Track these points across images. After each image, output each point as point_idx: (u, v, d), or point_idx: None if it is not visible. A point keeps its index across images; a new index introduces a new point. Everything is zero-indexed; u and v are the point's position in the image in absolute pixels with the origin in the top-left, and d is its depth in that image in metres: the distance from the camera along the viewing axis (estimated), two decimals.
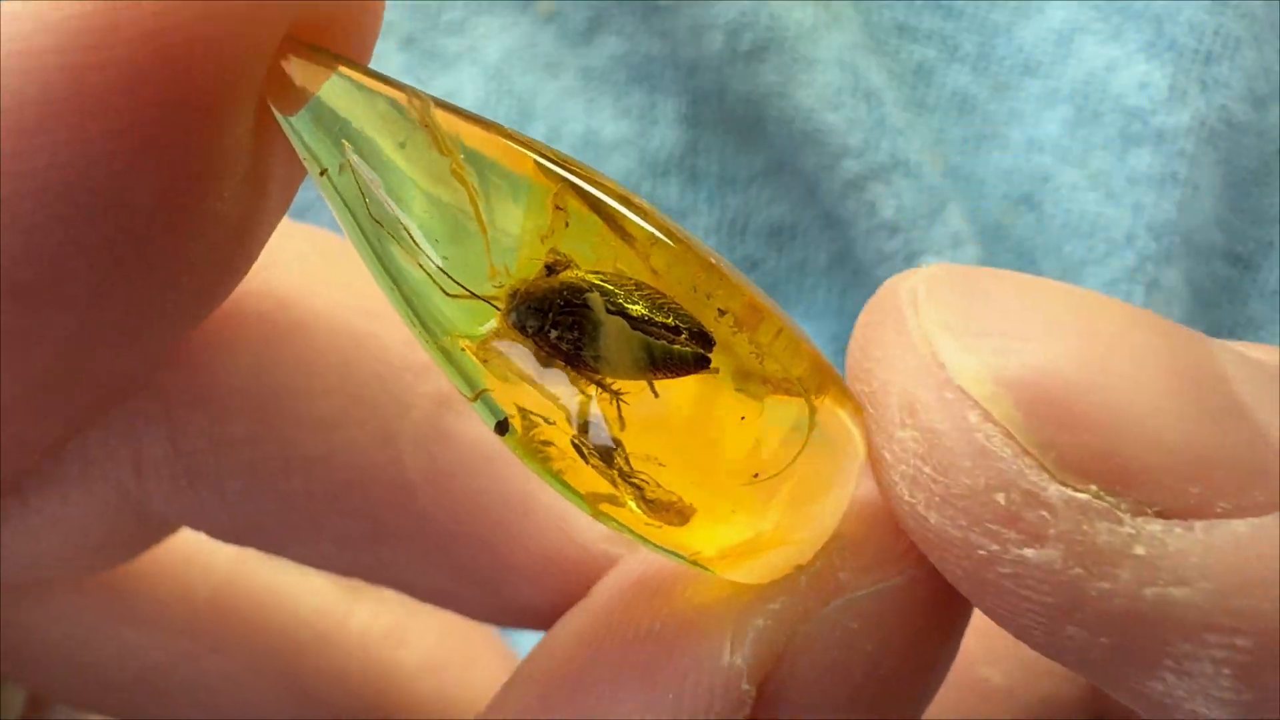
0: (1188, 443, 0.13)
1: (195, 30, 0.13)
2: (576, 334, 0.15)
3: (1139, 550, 0.13)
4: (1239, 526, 0.13)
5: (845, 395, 0.16)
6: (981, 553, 0.14)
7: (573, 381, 0.15)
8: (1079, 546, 0.13)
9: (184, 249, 0.15)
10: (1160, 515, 0.13)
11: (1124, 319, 0.14)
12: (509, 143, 0.15)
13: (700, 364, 0.15)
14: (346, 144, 0.15)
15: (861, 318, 0.16)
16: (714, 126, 0.41)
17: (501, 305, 0.15)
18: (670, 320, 0.15)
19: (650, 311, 0.15)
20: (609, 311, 0.15)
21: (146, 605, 0.23)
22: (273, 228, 0.17)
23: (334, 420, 0.19)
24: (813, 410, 0.16)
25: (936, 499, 0.14)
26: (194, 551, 0.23)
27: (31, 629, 0.22)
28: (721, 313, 0.15)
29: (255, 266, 0.18)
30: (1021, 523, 0.13)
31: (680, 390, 0.15)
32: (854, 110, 0.39)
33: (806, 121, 0.39)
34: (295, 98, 0.15)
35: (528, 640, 0.29)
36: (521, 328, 0.15)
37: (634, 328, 0.15)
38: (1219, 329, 0.41)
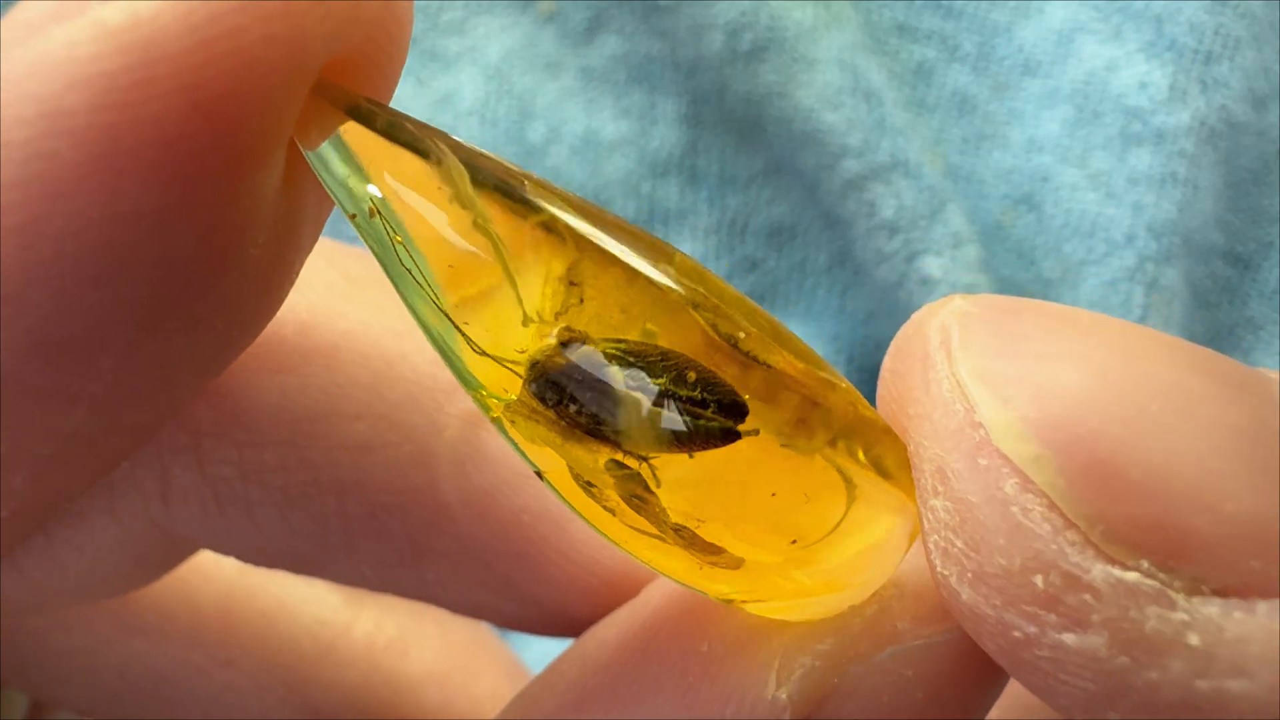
0: (1251, 511, 0.12)
1: (229, 83, 0.13)
2: (595, 410, 0.14)
3: (1193, 640, 0.12)
4: None
5: (887, 445, 0.15)
6: (1017, 635, 0.12)
7: (594, 449, 0.15)
8: (1125, 635, 0.12)
9: (219, 297, 0.15)
10: (1218, 594, 0.12)
11: (1181, 362, 0.13)
12: (525, 207, 0.14)
13: (729, 438, 0.14)
14: (370, 192, 0.15)
15: (889, 362, 0.14)
16: (714, 126, 0.41)
17: (522, 373, 0.15)
18: (697, 394, 0.14)
19: (674, 385, 0.14)
20: (630, 387, 0.14)
21: (152, 615, 0.23)
22: (301, 265, 0.17)
23: (366, 443, 0.19)
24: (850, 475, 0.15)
25: (969, 575, 0.13)
26: (198, 560, 0.23)
27: (35, 636, 0.22)
28: (767, 366, 0.14)
29: None
30: (1062, 606, 0.12)
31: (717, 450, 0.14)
32: (854, 110, 0.39)
33: (806, 121, 0.39)
34: (321, 140, 0.15)
35: (533, 650, 0.29)
36: (542, 399, 0.15)
37: (656, 403, 0.14)
38: (1219, 329, 0.41)
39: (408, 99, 0.41)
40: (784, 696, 0.16)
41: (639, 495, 0.15)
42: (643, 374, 0.14)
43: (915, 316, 0.14)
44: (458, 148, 0.15)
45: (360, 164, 0.15)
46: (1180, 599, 0.12)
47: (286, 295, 0.17)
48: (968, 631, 0.14)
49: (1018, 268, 0.40)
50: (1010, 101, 0.41)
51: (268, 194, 0.15)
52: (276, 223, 0.15)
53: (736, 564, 0.15)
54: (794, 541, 0.15)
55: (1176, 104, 0.40)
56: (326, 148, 0.15)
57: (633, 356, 0.14)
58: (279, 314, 0.18)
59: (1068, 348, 0.13)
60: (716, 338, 0.14)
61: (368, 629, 0.25)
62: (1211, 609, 0.12)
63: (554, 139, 0.41)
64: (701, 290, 0.14)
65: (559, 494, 0.15)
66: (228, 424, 0.19)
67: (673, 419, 0.14)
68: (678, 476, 0.14)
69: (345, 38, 0.14)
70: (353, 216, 0.15)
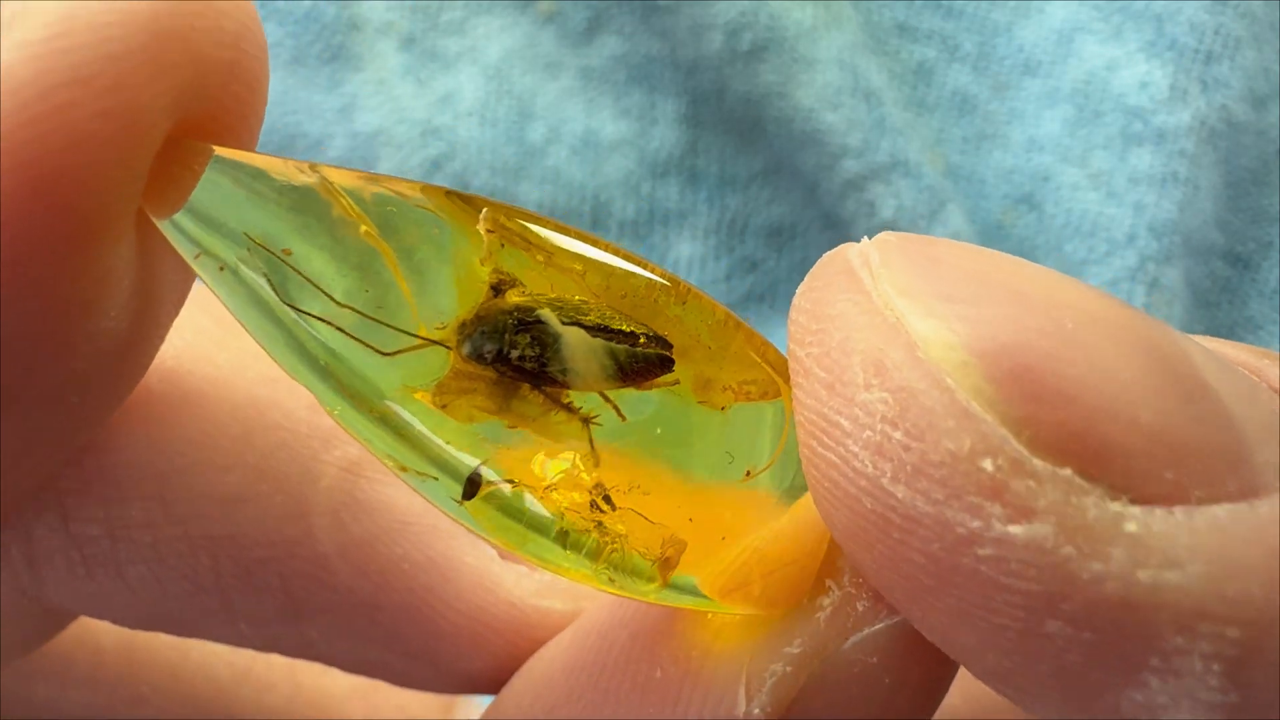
0: (1163, 425, 0.12)
1: (63, 159, 0.13)
2: (539, 350, 0.14)
3: (1130, 527, 0.12)
4: (1219, 512, 0.12)
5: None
6: (960, 531, 0.12)
7: (538, 413, 0.15)
8: (1070, 522, 0.12)
9: (73, 372, 0.15)
10: (1136, 502, 0.12)
11: (1090, 294, 0.13)
12: (412, 186, 0.15)
13: (665, 365, 0.15)
14: (246, 233, 0.14)
15: (804, 285, 0.14)
16: (714, 127, 0.41)
17: (450, 343, 0.14)
18: (626, 327, 0.15)
19: (604, 320, 0.15)
20: (565, 324, 0.14)
21: (52, 659, 0.22)
22: (166, 330, 0.16)
23: (238, 495, 0.18)
24: (788, 404, 0.15)
25: (908, 469, 0.12)
26: None
27: None
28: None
29: None
30: (1008, 494, 0.12)
31: (646, 411, 0.15)
32: (854, 110, 0.39)
33: (806, 121, 0.39)
34: (178, 200, 0.14)
35: None
36: (479, 356, 0.14)
37: (593, 336, 0.14)
38: (1219, 329, 0.41)
39: (408, 99, 0.41)
40: (758, 711, 0.16)
41: (588, 487, 0.15)
42: (573, 314, 0.14)
43: (831, 251, 0.14)
44: (333, 171, 0.15)
45: (229, 209, 0.14)
46: (1108, 500, 0.12)
47: (149, 363, 0.16)
48: (881, 553, 0.13)
49: None
50: (1010, 101, 0.41)
51: (117, 265, 0.14)
52: (132, 294, 0.15)
53: (677, 557, 0.15)
54: (747, 474, 0.15)
55: (1177, 104, 0.40)
56: (186, 206, 0.14)
57: (560, 303, 0.15)
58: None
59: (985, 272, 0.13)
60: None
61: None
62: (1135, 510, 0.12)
63: (554, 139, 0.41)
64: (611, 248, 0.15)
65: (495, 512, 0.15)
66: (92, 480, 0.18)
67: (613, 349, 0.14)
68: (615, 444, 0.15)
69: (193, 100, 0.14)
70: (220, 269, 0.14)
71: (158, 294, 0.16)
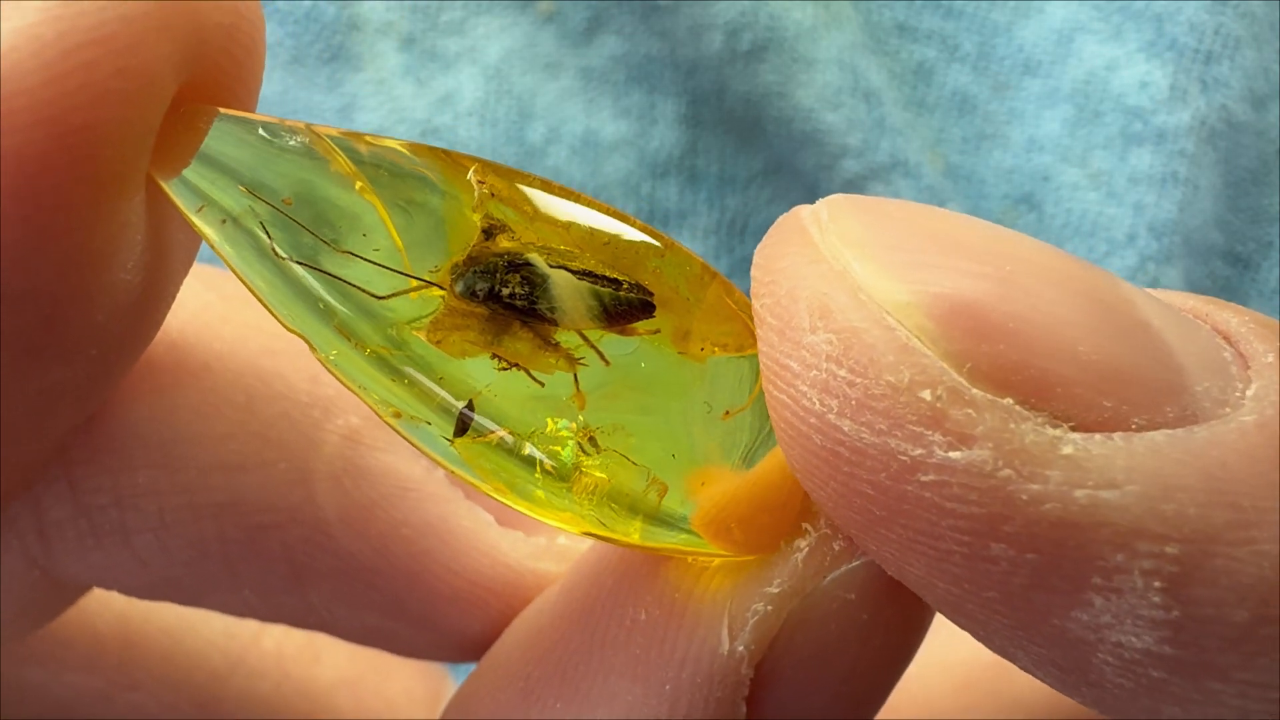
0: (1100, 356, 0.13)
1: (84, 115, 0.13)
2: (528, 289, 0.15)
3: (1067, 450, 0.12)
4: (1157, 436, 0.12)
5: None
6: (903, 459, 0.13)
7: (529, 349, 0.15)
8: (1008, 446, 0.12)
9: (92, 324, 0.15)
10: (1076, 430, 0.13)
11: (1031, 244, 0.14)
12: (410, 148, 0.15)
13: (648, 309, 0.15)
14: (243, 188, 0.15)
15: (761, 244, 0.15)
16: (713, 127, 0.41)
17: (443, 284, 0.15)
18: (611, 274, 0.16)
19: (589, 268, 0.16)
20: (552, 267, 0.15)
21: (48, 643, 0.22)
22: (176, 288, 0.17)
23: (242, 463, 0.19)
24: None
25: (852, 403, 0.13)
26: None
27: None
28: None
29: None
30: (948, 421, 0.13)
31: (628, 360, 0.16)
32: (854, 110, 0.39)
33: (806, 121, 0.39)
34: (183, 159, 0.15)
35: None
36: (471, 293, 0.15)
37: (579, 279, 0.15)
38: None
39: (408, 99, 0.41)
40: (741, 649, 0.16)
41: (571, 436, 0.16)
42: (561, 260, 0.16)
43: (786, 213, 0.15)
44: (327, 131, 0.16)
45: (229, 163, 0.15)
46: (1047, 427, 0.13)
47: (162, 320, 0.17)
48: (833, 485, 0.14)
49: None
50: (1010, 101, 0.41)
51: (132, 219, 0.15)
52: (145, 248, 0.15)
53: (662, 489, 0.16)
54: (726, 413, 0.16)
55: (1177, 104, 0.40)
56: (191, 163, 0.15)
57: (547, 249, 0.16)
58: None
59: (931, 226, 0.14)
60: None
61: (277, 637, 0.24)
62: (1075, 436, 0.13)
63: (554, 139, 0.41)
64: (596, 205, 0.16)
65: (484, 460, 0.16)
66: (100, 450, 0.18)
67: (598, 291, 0.15)
68: (600, 388, 0.15)
69: (198, 60, 0.15)
70: (223, 221, 0.15)
71: (167, 252, 0.16)
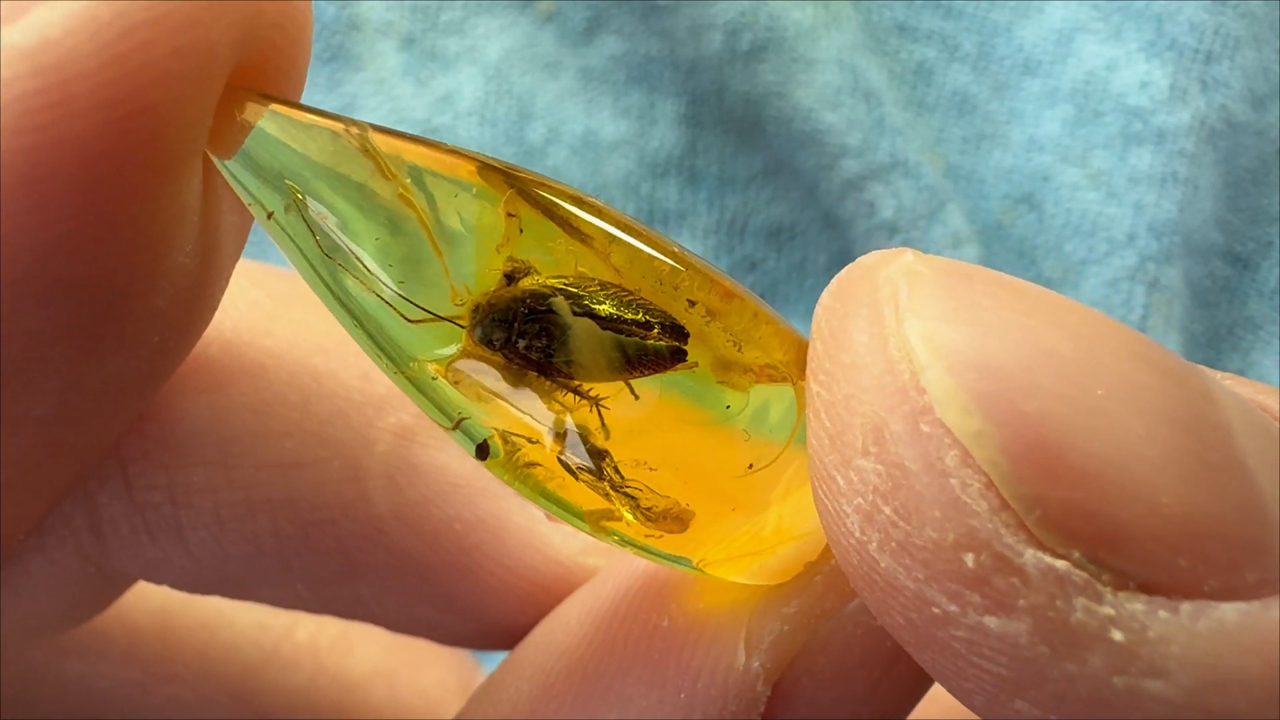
0: (1184, 508, 0.12)
1: (143, 96, 0.13)
2: (545, 341, 0.15)
3: (1116, 636, 0.11)
4: (1228, 613, 0.11)
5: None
6: (935, 611, 0.12)
7: (545, 395, 0.15)
8: (1049, 624, 0.12)
9: (152, 309, 0.15)
10: (1143, 590, 0.12)
11: (1126, 348, 0.12)
12: (453, 156, 0.15)
13: (677, 357, 0.15)
14: (290, 183, 0.15)
15: (828, 299, 0.14)
16: (713, 127, 0.41)
17: (465, 323, 0.15)
18: (640, 316, 0.15)
19: (618, 309, 0.15)
20: (576, 314, 0.15)
21: (87, 635, 0.22)
22: (229, 273, 0.17)
23: (297, 461, 0.19)
24: (800, 394, 0.15)
25: (893, 544, 0.12)
26: None
27: None
28: (691, 303, 0.15)
29: None
30: (988, 588, 0.12)
31: (665, 388, 0.15)
32: (853, 110, 0.39)
33: (805, 121, 0.39)
34: (235, 145, 0.15)
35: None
36: (488, 342, 0.15)
37: (604, 328, 0.15)
38: (1218, 328, 0.41)
39: (408, 99, 0.41)
40: (757, 665, 0.16)
41: (592, 449, 0.15)
42: (586, 303, 0.15)
43: (864, 260, 0.14)
44: (373, 126, 0.15)
45: (276, 158, 0.15)
46: (1108, 593, 0.12)
47: (217, 305, 0.17)
48: (867, 601, 0.13)
49: (1018, 267, 0.40)
50: (1010, 101, 0.41)
51: (191, 202, 0.15)
52: (201, 231, 0.15)
53: (684, 525, 0.15)
54: (750, 466, 0.15)
55: (1177, 103, 0.40)
56: (241, 151, 0.15)
57: (574, 288, 0.15)
58: (204, 335, 0.18)
59: (1018, 320, 0.12)
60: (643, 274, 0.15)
61: (311, 629, 0.25)
62: (1137, 605, 0.12)
63: (553, 139, 0.41)
64: (636, 228, 0.15)
65: (504, 475, 0.16)
66: (154, 448, 0.18)
67: (621, 341, 0.15)
68: (626, 421, 0.15)
69: (250, 43, 0.15)
70: (269, 215, 0.15)
71: (221, 235, 0.16)
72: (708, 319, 0.15)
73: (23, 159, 0.13)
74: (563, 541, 0.20)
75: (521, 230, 0.15)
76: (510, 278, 0.15)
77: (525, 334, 0.15)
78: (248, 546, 0.19)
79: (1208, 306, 0.41)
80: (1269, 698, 0.11)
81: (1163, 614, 0.12)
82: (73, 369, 0.15)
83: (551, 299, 0.15)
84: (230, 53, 0.14)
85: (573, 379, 0.15)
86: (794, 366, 0.15)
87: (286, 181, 0.15)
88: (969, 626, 0.12)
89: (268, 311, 0.20)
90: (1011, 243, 0.40)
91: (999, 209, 0.41)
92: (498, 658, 0.20)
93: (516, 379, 0.15)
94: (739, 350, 0.15)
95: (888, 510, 0.12)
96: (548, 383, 0.15)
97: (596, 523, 0.16)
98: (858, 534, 0.13)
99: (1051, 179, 0.40)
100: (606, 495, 0.15)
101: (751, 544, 0.16)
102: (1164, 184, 0.39)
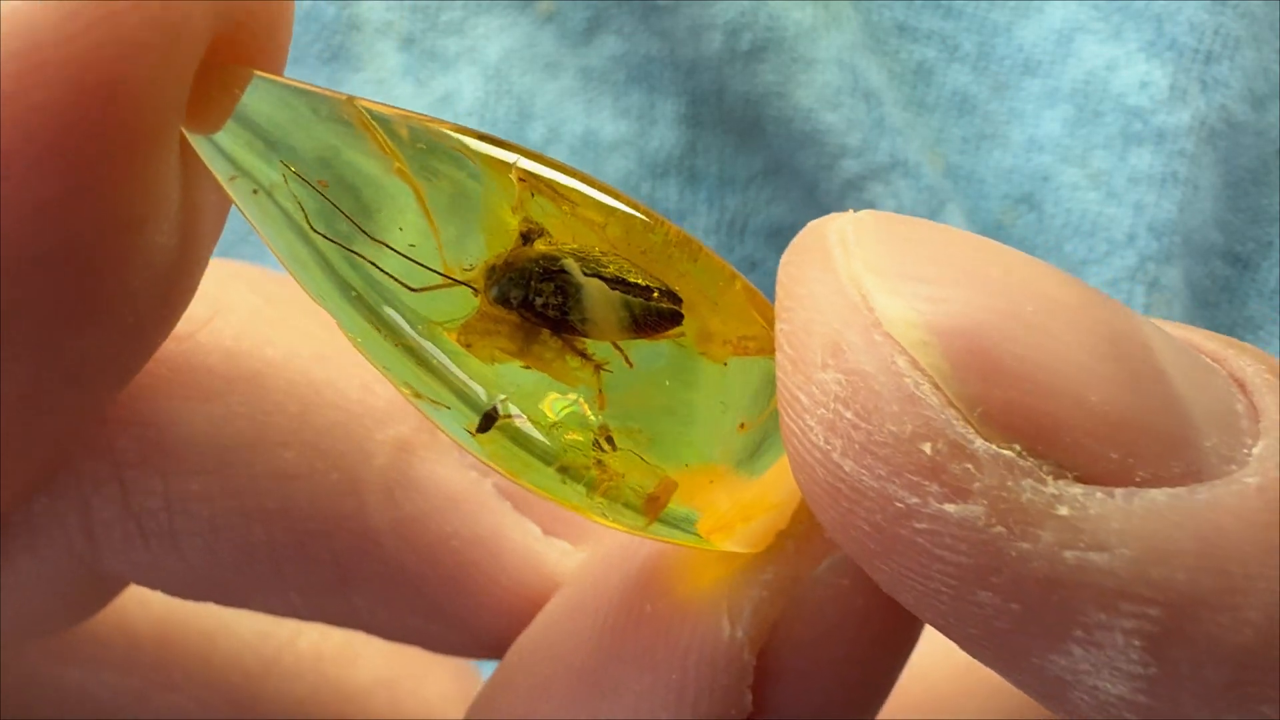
0: (1112, 406, 0.13)
1: (113, 69, 0.13)
2: (561, 299, 0.15)
3: (1062, 511, 0.12)
4: (1158, 496, 0.13)
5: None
6: (899, 505, 0.13)
7: (555, 356, 0.15)
8: (1003, 503, 0.13)
9: (127, 288, 0.15)
10: (1080, 480, 0.13)
11: (1056, 279, 0.14)
12: (448, 126, 0.15)
13: (676, 319, 0.16)
14: (281, 161, 0.15)
15: (785, 257, 0.15)
16: (713, 127, 0.41)
17: (478, 286, 0.15)
18: (641, 281, 0.15)
19: (622, 273, 0.15)
20: (586, 275, 0.15)
21: (85, 643, 0.22)
22: (209, 253, 0.17)
23: (294, 471, 0.19)
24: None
25: (855, 446, 0.13)
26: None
27: None
28: (680, 275, 0.16)
29: (202, 317, 0.18)
30: (945, 475, 0.13)
31: (652, 360, 0.16)
32: (853, 110, 0.39)
33: (805, 121, 0.39)
34: (216, 119, 0.15)
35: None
36: (505, 300, 0.15)
37: (611, 289, 0.15)
38: (1218, 329, 0.41)
39: (408, 99, 0.41)
40: (740, 634, 0.16)
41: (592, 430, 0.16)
42: (594, 266, 0.15)
43: (812, 223, 0.15)
44: (368, 105, 0.15)
45: (266, 131, 0.15)
46: (1049, 480, 0.13)
47: (195, 288, 0.17)
48: (831, 518, 0.14)
49: None
50: (1010, 101, 0.41)
51: (168, 181, 0.15)
52: (178, 211, 0.15)
53: (670, 488, 0.16)
54: (741, 425, 0.16)
55: (1177, 103, 0.40)
56: (227, 124, 0.15)
57: (581, 254, 0.15)
58: (203, 341, 0.18)
59: (954, 255, 0.14)
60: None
61: (313, 638, 0.24)
62: (1076, 490, 0.13)
63: (553, 139, 0.41)
64: (627, 200, 0.16)
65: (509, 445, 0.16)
66: (151, 454, 0.18)
67: (628, 301, 0.15)
68: (621, 388, 0.16)
69: (229, 16, 0.14)
70: (255, 191, 0.15)
71: (200, 215, 0.16)
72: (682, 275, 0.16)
73: None
74: (558, 559, 0.20)
75: (533, 195, 0.15)
76: (526, 238, 0.15)
77: (541, 292, 0.15)
78: (242, 555, 0.19)
79: (1208, 307, 0.41)
80: (1201, 568, 0.12)
81: (1099, 495, 0.13)
82: (43, 349, 0.14)
83: (563, 260, 0.15)
84: (206, 23, 0.14)
85: (586, 336, 0.15)
86: (770, 339, 0.16)
87: (279, 158, 0.15)
88: (930, 516, 0.13)
89: (268, 319, 0.19)
90: (1011, 243, 0.40)
91: (999, 209, 0.41)
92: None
93: (529, 338, 0.15)
94: (719, 318, 0.16)
95: (849, 414, 0.13)
96: (557, 344, 0.15)
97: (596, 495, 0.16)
98: (822, 443, 0.14)
99: (1051, 179, 0.40)
100: (599, 464, 0.16)
101: (737, 511, 0.16)
102: (1164, 184, 0.39)
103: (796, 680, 0.17)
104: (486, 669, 0.28)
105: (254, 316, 0.19)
